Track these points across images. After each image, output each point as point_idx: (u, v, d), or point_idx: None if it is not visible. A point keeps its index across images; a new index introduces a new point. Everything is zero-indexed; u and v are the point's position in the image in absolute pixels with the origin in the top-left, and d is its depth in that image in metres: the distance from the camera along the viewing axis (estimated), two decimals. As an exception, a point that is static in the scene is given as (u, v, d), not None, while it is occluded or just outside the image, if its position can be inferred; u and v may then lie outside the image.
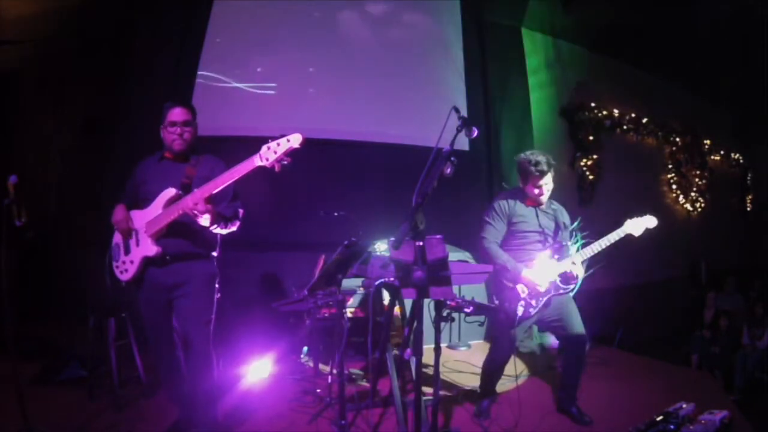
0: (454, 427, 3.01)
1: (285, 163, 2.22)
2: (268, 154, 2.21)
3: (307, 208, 4.64)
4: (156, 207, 2.48)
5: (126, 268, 2.57)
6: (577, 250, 3.21)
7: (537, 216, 3.07)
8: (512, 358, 3.09)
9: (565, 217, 3.19)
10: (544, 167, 2.97)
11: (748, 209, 10.19)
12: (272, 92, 5.36)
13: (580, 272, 2.99)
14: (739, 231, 9.80)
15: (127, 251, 2.57)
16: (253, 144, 2.29)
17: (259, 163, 2.25)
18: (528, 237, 3.05)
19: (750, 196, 10.21)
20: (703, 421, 2.75)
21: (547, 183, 3.03)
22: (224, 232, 2.58)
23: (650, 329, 6.75)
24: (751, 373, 5.54)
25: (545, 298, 2.96)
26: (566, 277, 3.00)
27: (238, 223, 2.61)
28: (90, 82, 5.24)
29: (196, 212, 2.34)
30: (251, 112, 5.29)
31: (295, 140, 2.18)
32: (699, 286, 7.97)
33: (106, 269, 2.64)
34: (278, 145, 2.19)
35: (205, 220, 2.39)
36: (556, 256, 3.01)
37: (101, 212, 2.75)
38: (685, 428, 2.70)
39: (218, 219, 2.45)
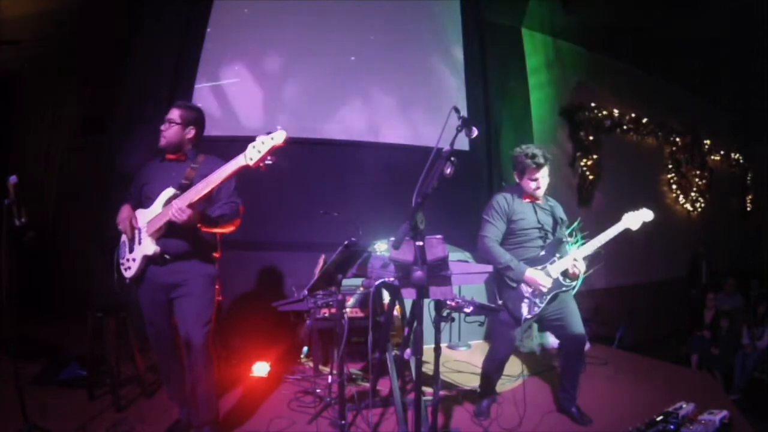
0: (454, 427, 3.00)
1: (269, 162, 2.13)
2: (252, 153, 2.13)
3: (307, 208, 4.64)
4: (156, 206, 2.50)
5: (129, 265, 2.59)
6: (578, 247, 3.20)
7: (535, 212, 3.07)
8: (512, 358, 3.08)
9: (561, 212, 3.17)
10: (541, 159, 2.97)
11: (748, 209, 10.20)
12: (272, 92, 5.36)
13: (581, 269, 2.97)
14: (739, 231, 9.80)
15: (131, 249, 2.59)
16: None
17: (244, 163, 2.17)
18: (528, 234, 3.03)
19: (750, 196, 10.21)
20: (703, 421, 2.74)
21: (544, 176, 3.02)
22: (219, 231, 2.56)
23: (650, 329, 6.75)
24: (750, 373, 5.54)
25: (549, 296, 2.95)
26: (568, 274, 2.99)
27: (237, 221, 2.59)
28: (89, 82, 5.24)
29: (179, 218, 2.33)
30: (251, 112, 5.28)
31: (278, 137, 2.08)
32: (699, 287, 7.96)
33: (114, 266, 2.65)
34: (262, 143, 2.10)
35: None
36: (557, 254, 3.00)
37: (101, 212, 2.75)
38: (685, 428, 2.70)
39: (203, 221, 2.45)
